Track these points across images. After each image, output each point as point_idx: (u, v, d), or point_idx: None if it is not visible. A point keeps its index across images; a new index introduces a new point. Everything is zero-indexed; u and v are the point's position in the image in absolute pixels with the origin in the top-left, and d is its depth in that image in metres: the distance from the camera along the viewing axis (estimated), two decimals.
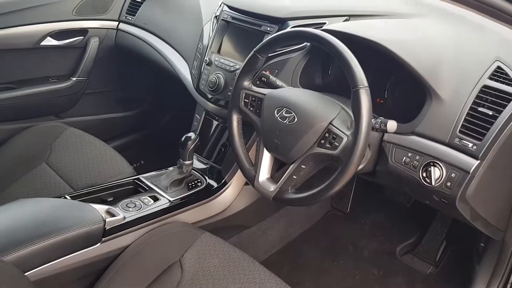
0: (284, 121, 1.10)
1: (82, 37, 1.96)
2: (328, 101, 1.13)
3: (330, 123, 1.05)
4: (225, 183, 1.49)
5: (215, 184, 1.50)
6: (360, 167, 1.20)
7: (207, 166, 1.58)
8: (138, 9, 1.97)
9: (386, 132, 1.06)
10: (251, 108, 1.19)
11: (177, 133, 1.48)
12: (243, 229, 1.64)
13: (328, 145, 1.04)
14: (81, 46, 1.97)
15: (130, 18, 1.98)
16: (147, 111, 2.26)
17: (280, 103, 1.12)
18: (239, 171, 1.49)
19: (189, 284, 1.15)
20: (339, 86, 1.40)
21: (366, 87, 0.98)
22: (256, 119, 1.18)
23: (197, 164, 1.58)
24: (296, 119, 1.08)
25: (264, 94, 1.17)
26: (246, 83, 1.21)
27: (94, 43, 1.98)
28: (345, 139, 1.01)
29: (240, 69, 1.22)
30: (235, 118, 1.24)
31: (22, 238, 1.07)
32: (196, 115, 1.64)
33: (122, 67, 2.12)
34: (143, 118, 2.26)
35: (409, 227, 1.75)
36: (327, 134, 1.04)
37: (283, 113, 1.10)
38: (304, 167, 1.09)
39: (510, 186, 1.16)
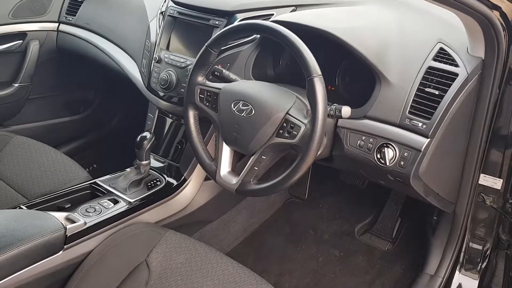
0: (242, 114, 1.11)
1: (21, 41, 1.88)
2: (283, 92, 1.15)
3: (287, 113, 1.07)
4: (185, 180, 1.49)
5: (174, 182, 1.49)
6: (323, 157, 1.24)
7: (165, 164, 1.56)
8: (78, 8, 1.91)
9: (341, 118, 1.10)
10: (207, 104, 1.20)
11: (129, 133, 1.46)
12: (206, 224, 1.64)
13: (286, 135, 1.06)
14: (20, 50, 1.88)
15: (71, 19, 1.92)
16: (95, 113, 2.20)
17: (236, 96, 1.13)
18: (198, 167, 1.50)
19: (158, 282, 1.14)
20: (290, 76, 1.43)
21: (320, 75, 1.01)
22: (213, 114, 1.18)
23: (155, 164, 1.56)
24: (253, 111, 1.09)
25: (219, 89, 1.17)
26: (200, 79, 1.21)
27: (34, 47, 1.90)
28: (303, 128, 1.03)
29: (193, 64, 1.21)
30: (191, 115, 1.23)
31: None
32: (149, 114, 1.62)
33: (66, 69, 2.05)
34: (92, 120, 2.20)
35: (365, 207, 1.82)
36: (285, 124, 1.06)
37: (240, 106, 1.11)
38: (264, 157, 1.10)
39: (458, 160, 1.23)
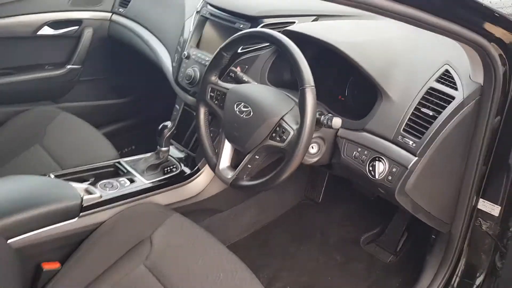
0: (242, 115, 1.20)
1: (77, 27, 2.07)
2: (284, 97, 1.22)
3: (282, 118, 1.15)
4: (198, 170, 1.60)
5: (188, 171, 1.61)
6: (316, 159, 1.31)
7: (184, 154, 1.68)
8: (130, 1, 2.07)
9: (331, 128, 1.16)
10: (215, 102, 1.30)
11: (164, 121, 1.58)
12: (216, 213, 1.74)
13: (278, 138, 1.14)
14: (75, 35, 2.08)
15: (122, 10, 2.09)
16: (137, 99, 2.37)
17: (239, 97, 1.22)
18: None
19: (157, 257, 1.26)
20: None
21: (312, 86, 1.08)
22: (219, 111, 1.28)
23: (175, 152, 1.69)
24: (251, 113, 1.18)
25: (228, 89, 1.27)
26: (213, 78, 1.31)
27: (88, 33, 2.09)
28: (291, 133, 1.11)
29: (208, 65, 1.32)
30: (202, 110, 1.34)
31: (6, 209, 1.20)
32: (176, 105, 1.75)
33: (115, 56, 2.23)
34: (133, 106, 2.37)
35: (374, 218, 1.84)
36: (278, 128, 1.14)
37: (241, 107, 1.20)
38: (257, 157, 1.19)
39: (451, 182, 1.25)
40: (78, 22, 2.07)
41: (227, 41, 1.27)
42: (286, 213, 1.94)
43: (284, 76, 1.51)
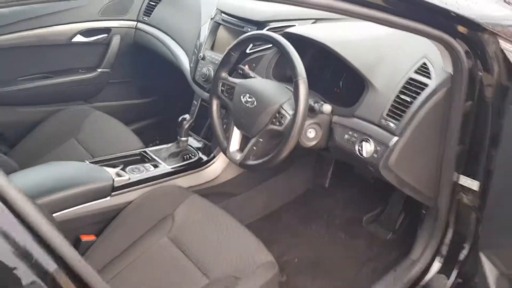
0: (247, 104, 1.40)
1: (106, 35, 2.32)
2: (283, 89, 1.42)
3: (281, 106, 1.35)
4: (214, 157, 1.82)
5: (205, 158, 1.82)
6: (314, 142, 1.50)
7: (201, 143, 1.90)
8: (153, 10, 2.31)
9: (323, 113, 1.35)
10: (226, 95, 1.51)
11: None
12: (231, 196, 1.95)
13: (277, 123, 1.34)
14: (105, 42, 2.33)
15: (146, 19, 2.33)
16: (160, 99, 2.60)
17: (245, 90, 1.43)
18: None
19: (178, 230, 1.46)
20: (312, 78, 1.69)
21: (304, 78, 1.28)
22: (229, 103, 1.49)
23: (193, 142, 1.90)
24: (255, 103, 1.39)
25: (236, 83, 1.48)
26: (223, 74, 1.52)
27: (116, 40, 2.34)
28: (288, 118, 1.31)
29: (219, 63, 1.53)
30: (214, 102, 1.56)
31: (50, 188, 1.43)
32: (194, 101, 1.97)
33: (140, 60, 2.47)
34: (157, 105, 2.60)
35: (376, 200, 2.02)
36: (277, 115, 1.35)
37: (247, 98, 1.41)
38: (261, 140, 1.40)
39: (432, 160, 1.42)
40: (107, 30, 2.32)
41: (233, 42, 1.48)
42: (296, 198, 2.14)
43: (286, 72, 1.71)
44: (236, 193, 1.97)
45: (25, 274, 0.60)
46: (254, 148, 1.41)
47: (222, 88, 1.52)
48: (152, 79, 2.56)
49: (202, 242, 1.43)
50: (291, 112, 1.32)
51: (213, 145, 1.84)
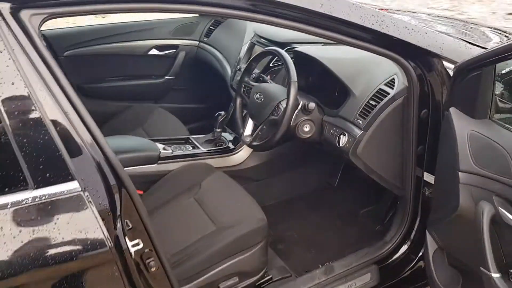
0: (257, 100, 1.91)
1: (175, 50, 2.95)
2: (283, 90, 1.90)
3: (279, 102, 1.84)
4: (240, 146, 2.32)
5: (233, 146, 2.33)
6: (309, 135, 1.95)
7: (233, 136, 2.42)
8: (212, 33, 2.91)
9: (308, 110, 1.81)
10: (246, 94, 2.02)
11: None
12: (252, 181, 2.42)
13: (275, 114, 1.83)
14: (173, 56, 2.96)
15: (206, 39, 2.93)
16: (213, 105, 3.16)
17: (258, 90, 1.93)
18: None
19: (202, 194, 1.91)
20: (313, 86, 2.16)
21: (295, 81, 1.76)
22: (247, 100, 2.00)
23: (227, 135, 2.42)
24: (263, 99, 1.88)
25: (253, 85, 1.99)
26: (246, 79, 2.05)
27: (181, 55, 2.96)
28: (281, 110, 1.79)
29: (242, 71, 2.06)
30: (238, 100, 2.08)
31: (115, 150, 1.99)
32: (232, 103, 2.50)
33: (199, 72, 3.05)
34: (212, 110, 3.16)
35: (373, 198, 2.38)
36: (276, 108, 1.83)
37: (258, 95, 1.91)
38: (264, 127, 1.89)
39: (396, 155, 1.79)
40: (175, 47, 2.95)
41: (253, 56, 2.00)
42: (308, 191, 2.56)
43: (300, 82, 2.18)
44: (257, 179, 2.44)
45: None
46: (260, 133, 1.90)
47: (244, 89, 2.04)
48: (208, 88, 3.13)
49: (217, 203, 1.89)
50: (285, 106, 1.80)
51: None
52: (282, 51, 1.86)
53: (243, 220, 1.78)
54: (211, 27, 2.95)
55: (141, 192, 2.07)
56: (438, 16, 2.67)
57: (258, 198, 2.39)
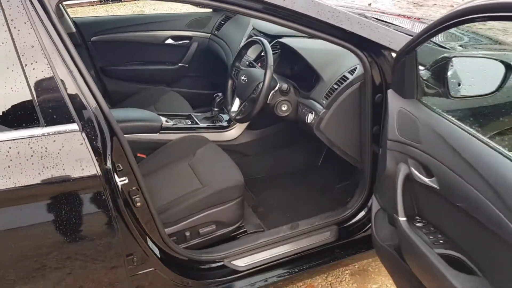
0: (242, 82, 2.25)
1: (188, 41, 3.33)
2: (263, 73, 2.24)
3: (259, 82, 2.17)
4: (233, 124, 2.67)
5: (226, 124, 2.68)
6: (286, 114, 2.29)
7: (228, 116, 2.77)
8: (222, 27, 3.27)
9: (283, 90, 2.14)
10: (235, 77, 2.37)
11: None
12: (244, 156, 2.76)
13: (254, 93, 2.17)
14: (186, 46, 3.34)
15: (216, 32, 3.29)
16: (221, 91, 3.52)
17: (244, 73, 2.28)
18: None
19: (195, 161, 2.25)
20: (298, 75, 2.49)
21: (271, 65, 2.09)
22: (236, 82, 2.35)
23: (225, 116, 2.78)
24: (247, 80, 2.23)
25: (241, 69, 2.34)
26: (237, 64, 2.40)
27: (194, 45, 3.34)
28: (259, 90, 2.13)
29: (234, 57, 2.41)
30: (229, 82, 2.43)
31: (123, 119, 2.39)
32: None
33: (210, 62, 3.42)
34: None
35: (350, 175, 2.67)
36: (256, 88, 2.17)
37: (243, 77, 2.26)
38: (247, 104, 2.23)
39: (354, 132, 2.09)
40: (189, 38, 3.33)
41: (243, 43, 2.35)
42: (293, 168, 2.87)
43: (286, 71, 2.52)
44: (248, 154, 2.79)
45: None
46: (242, 109, 2.25)
47: (234, 72, 2.39)
48: (215, 76, 3.46)
49: (207, 167, 2.25)
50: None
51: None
52: (265, 41, 2.20)
53: (223, 179, 2.13)
54: (221, 22, 3.32)
55: (144, 156, 2.46)
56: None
57: (248, 170, 2.75)
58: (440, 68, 1.70)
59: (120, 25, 3.17)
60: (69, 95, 1.41)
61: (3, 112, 1.35)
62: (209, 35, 3.36)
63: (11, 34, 1.33)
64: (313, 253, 2.17)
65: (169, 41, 3.29)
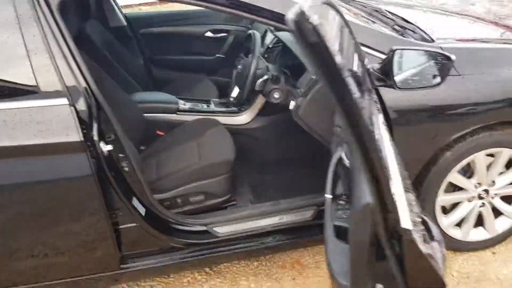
0: (239, 70, 2.52)
1: (226, 34, 3.65)
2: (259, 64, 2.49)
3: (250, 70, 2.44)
4: (244, 110, 2.94)
5: (237, 110, 2.96)
6: (279, 101, 2.52)
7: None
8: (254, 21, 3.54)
9: (273, 79, 2.37)
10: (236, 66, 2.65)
11: None
12: (255, 139, 3.01)
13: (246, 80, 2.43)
14: (224, 38, 3.66)
15: (250, 26, 3.57)
16: None
17: (241, 63, 2.55)
18: (252, 106, 2.92)
19: (203, 139, 2.54)
20: (298, 66, 2.68)
21: (256, 56, 2.34)
22: (235, 71, 2.63)
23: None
24: (242, 69, 2.50)
25: (243, 58, 2.61)
26: (241, 55, 2.67)
27: (231, 38, 3.65)
28: (251, 78, 2.39)
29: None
30: (234, 72, 2.71)
31: (150, 100, 2.79)
32: None
33: (244, 54, 3.71)
34: None
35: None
36: (247, 75, 2.43)
37: (240, 67, 2.53)
38: (241, 90, 2.50)
39: (329, 117, 2.25)
40: (227, 31, 3.65)
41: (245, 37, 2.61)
42: (299, 155, 2.99)
43: (286, 61, 2.73)
44: (258, 138, 3.03)
45: None
46: (238, 94, 2.53)
47: (237, 62, 2.67)
48: None
49: (210, 145, 2.56)
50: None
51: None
52: (257, 34, 2.44)
53: (215, 155, 2.43)
54: None
55: (162, 133, 2.84)
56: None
57: (258, 153, 3.01)
58: (388, 60, 1.83)
59: (166, 19, 3.59)
60: (63, 77, 1.78)
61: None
62: (245, 28, 3.64)
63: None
64: (291, 228, 2.37)
65: (208, 33, 3.63)
